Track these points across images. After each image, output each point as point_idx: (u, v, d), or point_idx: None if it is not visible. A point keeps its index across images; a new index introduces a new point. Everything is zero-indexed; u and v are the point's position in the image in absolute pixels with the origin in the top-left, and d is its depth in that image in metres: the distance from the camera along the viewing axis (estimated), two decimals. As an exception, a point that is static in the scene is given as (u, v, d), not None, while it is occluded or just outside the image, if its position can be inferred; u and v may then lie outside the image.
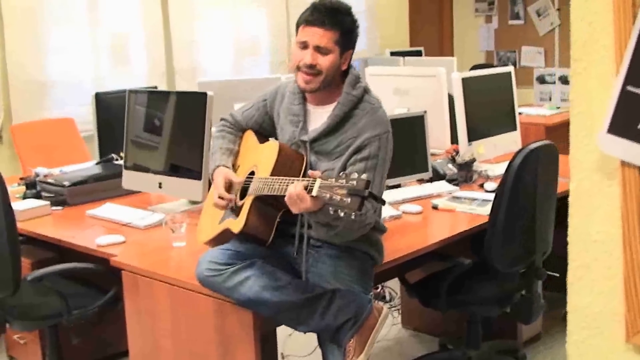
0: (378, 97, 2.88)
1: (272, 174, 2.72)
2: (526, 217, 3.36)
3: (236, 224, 2.80)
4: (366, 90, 2.84)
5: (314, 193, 2.41)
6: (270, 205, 2.73)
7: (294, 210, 2.52)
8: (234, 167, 3.04)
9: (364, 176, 2.34)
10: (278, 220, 2.78)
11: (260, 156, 2.90)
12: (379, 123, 2.77)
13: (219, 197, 2.87)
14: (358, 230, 2.68)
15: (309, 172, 2.55)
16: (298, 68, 2.79)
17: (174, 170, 3.85)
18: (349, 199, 2.32)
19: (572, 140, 1.89)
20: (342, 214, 2.37)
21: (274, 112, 3.01)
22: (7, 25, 6.03)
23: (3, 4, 6.01)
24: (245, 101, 3.20)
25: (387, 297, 4.81)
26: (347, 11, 2.79)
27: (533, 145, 3.35)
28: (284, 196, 2.53)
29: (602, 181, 1.83)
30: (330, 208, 2.39)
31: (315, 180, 2.42)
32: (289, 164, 2.78)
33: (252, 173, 2.88)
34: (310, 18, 2.75)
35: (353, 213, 2.33)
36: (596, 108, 1.80)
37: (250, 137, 3.08)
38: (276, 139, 3.01)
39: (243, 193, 2.86)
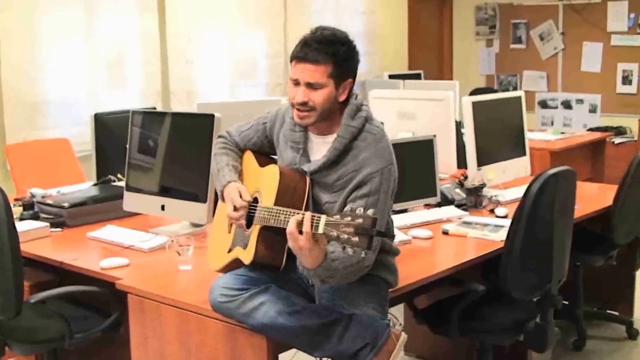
0: (381, 125, 2.79)
1: (276, 202, 2.65)
2: (543, 243, 3.30)
3: (246, 255, 2.73)
4: (367, 119, 2.74)
5: (320, 230, 2.34)
6: (278, 233, 2.64)
7: (292, 244, 2.43)
8: None
9: (370, 212, 2.28)
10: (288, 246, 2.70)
11: (262, 182, 2.83)
12: (381, 156, 2.68)
13: (234, 210, 2.79)
14: (356, 274, 2.61)
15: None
16: (292, 105, 2.72)
17: (178, 192, 3.78)
18: (356, 238, 2.26)
19: None
20: (339, 261, 2.41)
21: (274, 136, 2.94)
22: (3, 44, 5.96)
23: (0, 23, 5.94)
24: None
25: (391, 324, 4.72)
26: (341, 41, 2.67)
27: (551, 171, 3.30)
28: None
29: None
30: (335, 250, 2.37)
31: (320, 217, 2.35)
32: (291, 189, 2.71)
33: (255, 199, 2.81)
34: (300, 54, 2.66)
35: (363, 251, 2.28)
36: None
37: (249, 158, 3.01)
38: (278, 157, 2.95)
39: (249, 221, 2.79)
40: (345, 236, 2.26)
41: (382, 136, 2.73)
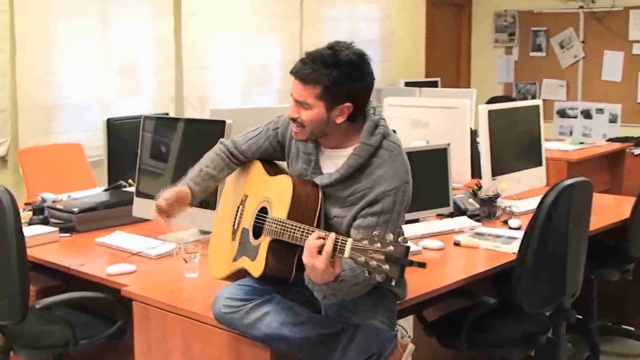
0: (398, 140, 2.71)
1: (289, 216, 2.58)
2: (557, 256, 3.25)
3: (255, 268, 2.68)
4: (385, 136, 2.66)
5: (345, 254, 2.29)
6: (289, 247, 2.59)
7: (307, 260, 2.38)
8: (242, 198, 2.91)
9: (401, 239, 2.21)
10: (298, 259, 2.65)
11: (272, 191, 2.76)
12: (396, 174, 2.61)
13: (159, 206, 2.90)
14: (359, 292, 2.56)
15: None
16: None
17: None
18: (387, 266, 2.19)
19: None
20: (346, 281, 2.40)
21: (286, 141, 2.87)
22: (18, 49, 5.97)
23: (17, 29, 5.95)
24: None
25: (399, 336, 4.65)
26: (339, 64, 2.54)
27: (567, 181, 3.24)
28: None
29: None
30: (345, 269, 2.33)
31: (346, 240, 2.30)
32: (304, 202, 2.65)
33: (263, 208, 2.75)
34: (294, 70, 2.62)
35: (394, 280, 2.22)
36: None
37: (257, 166, 2.94)
38: (287, 165, 2.90)
39: (257, 232, 2.74)
40: (375, 263, 2.20)
41: (398, 153, 2.66)
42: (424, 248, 3.55)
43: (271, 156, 2.94)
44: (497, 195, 4.10)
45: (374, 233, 2.28)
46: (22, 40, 5.99)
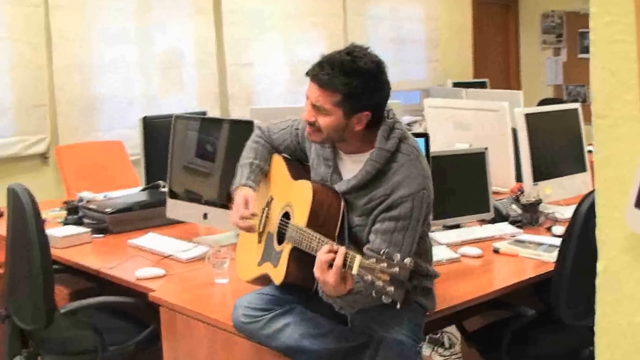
0: (415, 143, 2.62)
1: (309, 224, 2.52)
2: (595, 264, 3.10)
3: (276, 275, 2.61)
4: (402, 139, 2.57)
5: (353, 271, 2.22)
6: (310, 255, 2.50)
7: (319, 275, 2.31)
8: (268, 200, 2.85)
9: (407, 261, 2.12)
10: None
11: (294, 197, 2.69)
12: (415, 179, 2.51)
13: (241, 218, 2.69)
14: (376, 302, 2.38)
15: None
16: None
17: (220, 200, 3.66)
18: (392, 288, 2.12)
19: (598, 212, 1.55)
20: (360, 294, 2.32)
21: (306, 144, 2.81)
22: (55, 44, 5.97)
23: (52, 23, 5.94)
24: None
25: (447, 344, 4.54)
26: (359, 72, 2.46)
27: (601, 189, 3.09)
28: None
29: (633, 263, 1.50)
30: (373, 291, 2.20)
31: (355, 257, 2.23)
32: (324, 210, 2.57)
33: (286, 214, 2.69)
34: (311, 73, 2.53)
35: (398, 304, 2.14)
36: (627, 174, 1.46)
37: (281, 166, 2.86)
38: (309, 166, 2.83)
39: (280, 237, 2.67)
40: (381, 284, 2.13)
41: (416, 157, 2.57)
42: (462, 255, 3.44)
43: (293, 154, 2.88)
44: (539, 201, 3.95)
45: (381, 251, 2.20)
46: (59, 36, 5.99)
